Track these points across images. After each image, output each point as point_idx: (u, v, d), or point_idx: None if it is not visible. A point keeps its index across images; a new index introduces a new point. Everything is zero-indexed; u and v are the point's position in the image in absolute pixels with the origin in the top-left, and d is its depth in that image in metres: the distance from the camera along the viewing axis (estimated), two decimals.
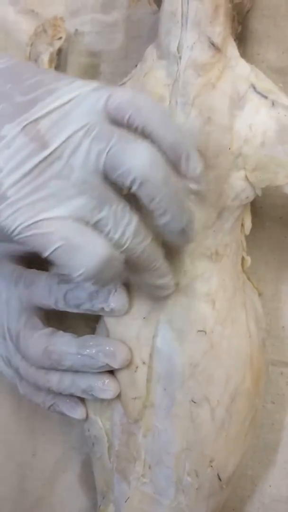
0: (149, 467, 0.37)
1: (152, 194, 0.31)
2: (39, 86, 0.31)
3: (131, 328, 0.38)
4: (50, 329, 0.39)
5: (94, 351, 0.37)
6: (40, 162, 0.30)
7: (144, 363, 0.37)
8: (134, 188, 0.30)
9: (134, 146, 0.30)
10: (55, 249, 0.30)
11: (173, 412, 0.37)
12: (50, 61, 0.43)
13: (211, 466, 0.37)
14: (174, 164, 0.31)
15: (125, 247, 0.31)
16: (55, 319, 0.40)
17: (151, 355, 0.37)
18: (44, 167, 0.30)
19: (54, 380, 0.38)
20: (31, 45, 0.44)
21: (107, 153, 0.30)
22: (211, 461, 0.37)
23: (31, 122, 0.30)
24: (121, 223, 0.31)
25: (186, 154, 0.31)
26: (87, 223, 0.30)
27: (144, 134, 0.31)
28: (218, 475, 0.37)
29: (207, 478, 0.37)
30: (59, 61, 0.47)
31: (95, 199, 0.30)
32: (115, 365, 0.36)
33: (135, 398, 0.37)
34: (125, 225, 0.31)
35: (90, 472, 0.43)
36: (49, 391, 0.39)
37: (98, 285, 0.33)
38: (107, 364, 0.36)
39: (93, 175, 0.30)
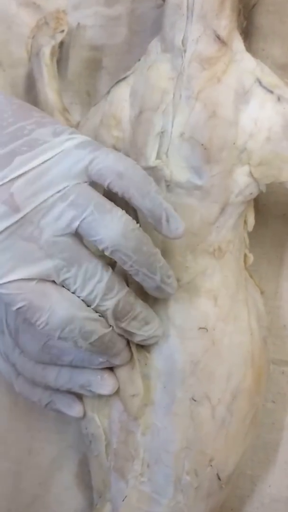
0: (148, 466, 0.37)
1: (124, 260, 0.32)
2: (19, 136, 0.31)
3: None
4: None
5: None
6: (11, 225, 0.30)
7: (139, 360, 0.36)
8: (106, 253, 0.32)
9: (109, 217, 0.31)
10: (19, 307, 0.31)
11: (173, 410, 0.36)
12: (52, 54, 0.43)
13: (211, 465, 0.36)
14: (155, 226, 0.32)
15: (95, 304, 0.32)
16: None
17: (151, 352, 0.37)
18: (13, 229, 0.30)
19: (51, 375, 0.37)
20: (33, 37, 0.44)
21: (82, 220, 0.31)
22: (210, 460, 0.36)
23: (5, 183, 0.30)
24: (90, 282, 0.32)
25: (165, 217, 0.32)
26: (54, 281, 0.32)
27: (123, 198, 0.32)
28: (217, 474, 0.37)
29: (207, 477, 0.36)
30: (61, 55, 0.46)
31: (64, 260, 0.31)
32: (115, 361, 0.36)
33: (133, 395, 0.36)
34: (95, 283, 0.32)
35: (86, 471, 0.42)
36: (46, 387, 0.38)
37: (67, 341, 0.33)
38: (107, 360, 0.36)
39: (64, 237, 0.31)
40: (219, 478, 0.37)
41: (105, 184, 0.31)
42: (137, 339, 0.35)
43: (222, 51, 0.36)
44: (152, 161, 0.36)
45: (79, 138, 0.32)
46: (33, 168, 0.30)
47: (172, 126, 0.36)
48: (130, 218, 0.32)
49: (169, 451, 0.36)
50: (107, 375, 0.36)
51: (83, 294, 0.32)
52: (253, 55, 0.38)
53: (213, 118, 0.35)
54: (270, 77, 0.36)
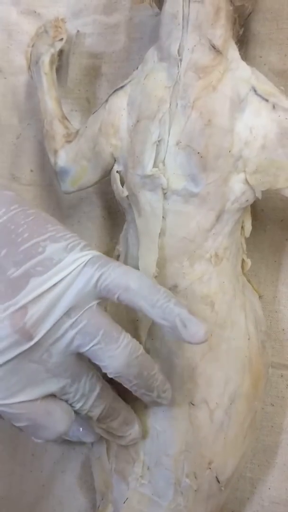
0: (148, 469, 0.37)
1: (125, 382, 0.34)
2: (34, 254, 0.32)
3: (128, 330, 0.37)
4: None
5: None
6: (22, 352, 0.31)
7: None
8: (109, 376, 0.33)
9: (115, 347, 0.32)
10: (23, 426, 0.33)
11: (172, 414, 0.37)
12: (51, 62, 0.43)
13: (210, 468, 0.37)
14: (174, 335, 0.32)
15: (85, 412, 0.34)
16: None
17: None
18: (25, 354, 0.31)
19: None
20: (32, 46, 0.44)
21: (89, 348, 0.32)
22: (209, 463, 0.37)
23: (19, 309, 0.31)
24: (87, 395, 0.34)
25: (180, 323, 0.32)
26: (55, 396, 0.33)
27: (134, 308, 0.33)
28: (216, 477, 0.37)
29: (206, 480, 0.37)
30: (61, 62, 0.47)
31: (67, 378, 0.33)
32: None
33: (135, 399, 0.37)
34: (89, 392, 0.34)
35: (89, 473, 0.43)
36: None
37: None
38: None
39: (69, 357, 0.32)
40: (218, 481, 0.37)
41: (114, 298, 0.32)
42: (117, 442, 0.37)
43: (217, 60, 0.36)
44: (150, 169, 0.36)
45: (89, 254, 0.33)
46: (46, 291, 0.31)
47: (169, 134, 0.36)
48: (135, 343, 0.33)
49: (169, 454, 0.37)
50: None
51: (78, 406, 0.34)
52: (250, 62, 0.38)
53: (209, 127, 0.35)
54: (265, 85, 0.36)
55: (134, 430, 0.36)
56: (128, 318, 0.38)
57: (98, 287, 0.32)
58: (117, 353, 0.32)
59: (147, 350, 0.37)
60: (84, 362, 0.33)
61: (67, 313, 0.31)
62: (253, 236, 0.40)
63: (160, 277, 0.37)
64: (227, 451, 0.37)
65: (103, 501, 0.40)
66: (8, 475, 0.46)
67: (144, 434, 0.37)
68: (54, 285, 0.31)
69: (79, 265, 0.32)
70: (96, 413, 0.34)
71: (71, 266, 0.32)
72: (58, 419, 0.33)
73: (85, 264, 0.32)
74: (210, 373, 0.36)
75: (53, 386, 0.33)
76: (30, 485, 0.46)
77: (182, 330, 0.32)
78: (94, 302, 0.32)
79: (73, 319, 0.31)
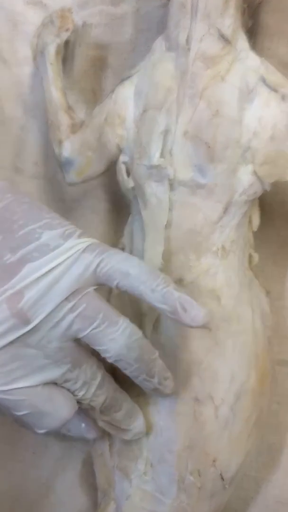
0: (151, 465, 0.37)
1: (125, 366, 0.33)
2: (30, 240, 0.32)
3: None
4: None
5: None
6: (20, 336, 0.31)
7: None
8: (109, 360, 0.33)
9: (114, 330, 0.32)
10: (24, 414, 0.32)
11: (176, 409, 0.36)
12: (57, 52, 0.43)
13: (214, 466, 0.36)
14: (175, 318, 0.32)
15: (87, 401, 0.34)
16: None
17: None
18: (23, 339, 0.31)
19: None
20: (38, 36, 0.44)
21: (88, 332, 0.32)
22: (214, 460, 0.36)
23: (15, 293, 0.31)
24: (88, 383, 0.33)
25: (180, 306, 0.32)
26: (57, 383, 0.33)
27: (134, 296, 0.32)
28: (220, 474, 0.37)
29: (210, 477, 0.36)
30: (66, 53, 0.46)
31: (67, 364, 0.32)
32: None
33: (138, 394, 0.36)
34: (91, 380, 0.33)
35: (90, 471, 0.42)
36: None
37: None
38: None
39: (69, 342, 0.32)
40: (222, 479, 0.37)
41: (114, 285, 0.32)
42: (121, 436, 0.36)
43: (226, 50, 0.36)
44: (156, 159, 0.36)
45: (87, 241, 0.33)
46: (43, 275, 0.31)
47: (176, 124, 0.36)
48: (134, 327, 0.33)
49: (172, 451, 0.36)
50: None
51: (80, 394, 0.33)
52: (259, 54, 0.38)
53: (217, 117, 0.35)
54: (275, 76, 0.36)
55: (139, 424, 0.36)
56: (133, 312, 0.38)
57: (97, 273, 0.32)
58: (117, 336, 0.32)
59: (152, 344, 0.37)
60: (84, 349, 0.33)
61: (66, 298, 0.31)
62: (260, 231, 0.40)
63: (165, 270, 0.36)
64: (232, 449, 0.37)
65: (104, 499, 0.39)
66: (8, 472, 0.45)
67: (147, 430, 0.37)
68: (51, 270, 0.31)
69: (77, 251, 0.32)
70: (98, 402, 0.34)
71: (68, 252, 0.32)
72: (61, 405, 0.33)
73: (84, 250, 0.32)
74: (216, 368, 0.36)
75: (54, 372, 0.32)
76: (31, 483, 0.45)
77: (182, 313, 0.32)
78: (92, 287, 0.32)
79: (72, 303, 0.31)
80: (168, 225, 0.36)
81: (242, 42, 0.36)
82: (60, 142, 0.41)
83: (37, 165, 0.47)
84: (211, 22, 0.35)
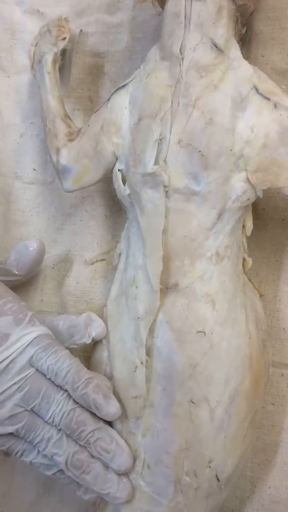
0: (148, 467, 0.37)
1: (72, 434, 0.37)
2: None
3: (129, 328, 0.38)
4: None
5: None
6: None
7: (142, 363, 0.37)
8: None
9: (53, 408, 0.37)
10: None
11: (172, 412, 0.37)
12: (54, 61, 0.44)
13: (210, 467, 0.37)
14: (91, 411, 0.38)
15: (50, 454, 0.38)
16: None
17: (150, 355, 0.37)
18: None
19: None
20: (36, 45, 0.45)
21: (32, 408, 0.37)
22: (209, 462, 0.37)
23: None
24: (46, 441, 0.37)
25: (94, 405, 0.37)
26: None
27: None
28: (216, 475, 0.37)
29: (206, 478, 0.37)
30: (64, 61, 0.47)
31: (17, 427, 0.37)
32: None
33: (136, 397, 0.37)
34: (47, 441, 0.37)
35: None
36: None
37: None
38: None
39: (18, 413, 0.37)
40: (218, 479, 0.37)
41: (48, 377, 0.38)
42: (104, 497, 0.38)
43: (219, 59, 0.36)
44: (151, 167, 0.36)
45: (35, 331, 0.38)
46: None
47: (170, 133, 0.36)
48: (67, 400, 0.37)
49: (169, 452, 0.37)
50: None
51: (41, 448, 0.38)
52: (252, 61, 0.39)
53: (210, 125, 0.36)
54: (267, 84, 0.36)
55: (114, 490, 0.37)
56: (130, 316, 0.38)
57: (36, 365, 0.38)
58: (54, 412, 0.37)
59: (148, 348, 0.37)
60: (37, 416, 0.38)
61: (13, 381, 0.37)
62: (254, 235, 0.40)
63: (161, 276, 0.37)
64: (227, 450, 0.37)
65: (103, 499, 0.40)
66: (9, 472, 0.46)
67: (145, 432, 0.37)
68: (2, 361, 0.37)
69: (23, 344, 0.37)
70: (60, 460, 0.37)
71: (16, 344, 0.37)
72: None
73: (29, 344, 0.38)
74: (211, 371, 0.36)
75: (8, 428, 0.37)
76: (31, 483, 0.46)
77: (96, 411, 0.37)
78: (34, 370, 0.38)
79: (19, 384, 0.37)
80: (164, 231, 0.37)
81: (235, 51, 0.37)
82: (57, 150, 0.41)
83: (35, 172, 0.48)
84: (204, 32, 0.36)
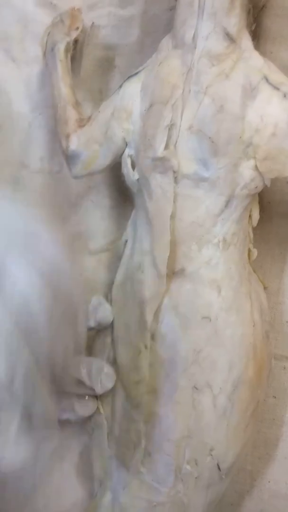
0: (149, 454, 0.37)
1: None
2: None
3: (134, 313, 0.38)
4: None
5: None
6: None
7: (146, 347, 0.37)
8: None
9: None
10: None
11: (175, 398, 0.36)
12: (67, 50, 0.44)
13: (211, 455, 0.37)
14: None
15: None
16: None
17: (155, 340, 0.37)
18: None
19: None
20: (48, 34, 0.45)
21: None
22: (211, 450, 0.37)
23: None
24: None
25: None
26: None
27: None
28: (217, 464, 0.37)
29: (207, 467, 0.37)
30: (75, 53, 0.47)
31: None
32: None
33: (138, 382, 0.37)
34: None
35: (87, 463, 0.43)
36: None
37: None
38: None
39: None
40: (219, 469, 0.37)
41: None
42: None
43: (231, 48, 0.37)
44: (161, 152, 0.37)
45: None
46: None
47: (181, 119, 0.37)
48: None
49: (170, 440, 0.37)
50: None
51: None
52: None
53: (220, 113, 0.36)
54: (277, 75, 0.37)
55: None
56: (135, 301, 0.38)
57: None
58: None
59: (152, 333, 0.37)
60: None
61: None
62: (259, 228, 0.41)
63: (168, 261, 0.37)
64: (229, 439, 0.37)
65: (101, 488, 0.39)
66: None
67: (146, 419, 0.37)
68: None
69: None
70: None
71: None
72: None
73: None
74: (215, 358, 0.36)
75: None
76: (27, 472, 0.45)
77: None
78: None
79: None
80: (171, 217, 0.37)
81: (247, 41, 0.37)
82: (67, 136, 0.42)
83: (42, 161, 0.48)
84: (217, 21, 0.36)
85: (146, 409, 0.37)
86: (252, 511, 0.42)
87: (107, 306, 0.40)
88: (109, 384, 0.38)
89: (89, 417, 0.40)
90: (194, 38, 0.37)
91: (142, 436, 0.37)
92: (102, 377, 0.38)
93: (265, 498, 0.42)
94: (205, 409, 0.36)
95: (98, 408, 0.39)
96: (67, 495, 0.44)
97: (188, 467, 0.37)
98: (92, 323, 0.40)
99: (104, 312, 0.40)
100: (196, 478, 0.37)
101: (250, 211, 0.39)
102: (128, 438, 0.38)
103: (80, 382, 0.38)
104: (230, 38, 0.37)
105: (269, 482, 0.42)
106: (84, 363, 0.38)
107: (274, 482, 0.42)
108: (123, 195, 0.44)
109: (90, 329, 0.40)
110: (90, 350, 0.41)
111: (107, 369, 0.38)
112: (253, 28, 0.41)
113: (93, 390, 0.38)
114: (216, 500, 0.39)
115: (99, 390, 0.38)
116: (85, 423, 0.40)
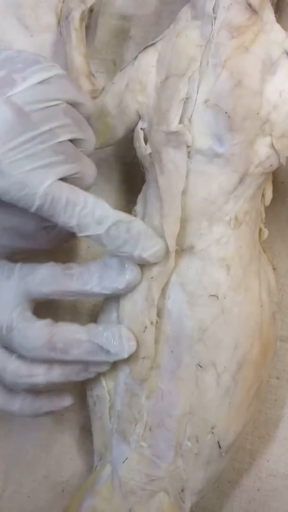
0: (150, 429, 0.37)
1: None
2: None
3: (141, 289, 0.37)
4: (49, 320, 0.38)
5: (104, 338, 0.37)
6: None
7: (152, 323, 0.37)
8: None
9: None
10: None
11: (178, 374, 0.36)
12: (81, 18, 0.43)
13: (212, 433, 0.37)
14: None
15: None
16: (44, 313, 0.39)
17: (161, 316, 0.37)
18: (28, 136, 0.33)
19: (40, 371, 0.37)
20: (63, 1, 0.44)
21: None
22: (212, 428, 0.37)
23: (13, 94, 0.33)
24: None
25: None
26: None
27: None
28: (218, 442, 0.37)
29: (207, 444, 0.37)
30: (90, 22, 0.46)
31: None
32: (124, 354, 0.36)
33: (144, 357, 0.37)
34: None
35: (87, 436, 0.43)
36: (27, 392, 0.39)
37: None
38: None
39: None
40: (219, 446, 0.37)
41: None
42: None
43: (252, 20, 0.36)
44: (175, 125, 0.36)
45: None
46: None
47: (197, 92, 0.36)
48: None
49: (172, 415, 0.37)
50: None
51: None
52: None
53: (238, 87, 0.35)
54: None
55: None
56: (142, 276, 0.38)
57: None
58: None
59: (159, 310, 0.37)
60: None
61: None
62: (271, 208, 0.40)
63: (177, 237, 0.36)
64: (231, 417, 0.37)
65: (101, 462, 0.40)
66: (7, 431, 0.46)
67: (149, 394, 0.37)
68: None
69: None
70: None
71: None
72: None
73: None
74: (220, 336, 0.36)
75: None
76: (28, 444, 0.46)
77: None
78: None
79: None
80: (183, 193, 0.36)
81: (269, 13, 0.36)
82: None
83: None
84: None
85: (149, 384, 0.37)
86: (249, 489, 0.42)
87: (134, 266, 0.37)
88: (132, 348, 0.37)
89: (91, 391, 0.40)
90: (214, 8, 0.36)
91: (144, 411, 0.37)
92: (124, 340, 0.36)
93: (263, 476, 0.42)
94: (208, 387, 0.36)
95: (100, 382, 0.39)
96: (67, 467, 0.45)
97: (188, 443, 0.37)
98: (119, 285, 0.37)
99: (133, 272, 0.37)
100: (196, 454, 0.37)
101: (264, 189, 0.39)
102: (130, 413, 0.38)
103: (96, 350, 0.37)
104: (252, 10, 0.36)
105: (267, 461, 0.42)
106: (101, 328, 0.37)
107: (273, 462, 0.42)
108: (133, 169, 0.43)
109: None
110: None
111: (126, 332, 0.37)
112: (275, 1, 0.40)
113: (116, 355, 0.37)
114: (215, 477, 0.39)
115: (125, 354, 0.37)
116: (87, 396, 0.40)
